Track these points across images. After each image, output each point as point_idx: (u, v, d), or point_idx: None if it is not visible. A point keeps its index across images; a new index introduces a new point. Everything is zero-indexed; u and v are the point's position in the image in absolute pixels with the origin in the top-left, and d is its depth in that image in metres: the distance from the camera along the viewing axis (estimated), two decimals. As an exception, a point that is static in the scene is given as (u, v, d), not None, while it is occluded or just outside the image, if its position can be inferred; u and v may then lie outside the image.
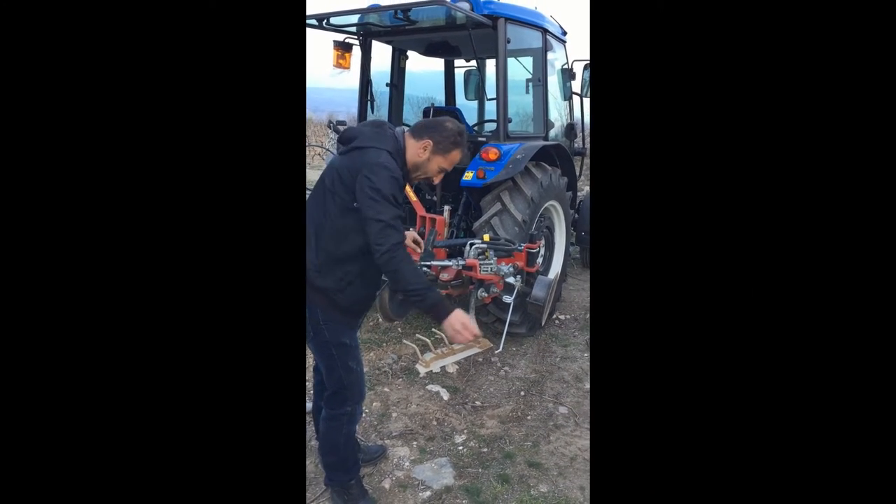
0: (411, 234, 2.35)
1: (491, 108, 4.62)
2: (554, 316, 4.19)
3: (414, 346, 3.47)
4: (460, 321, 1.83)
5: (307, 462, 2.42)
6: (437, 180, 2.04)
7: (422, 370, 3.28)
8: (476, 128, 4.77)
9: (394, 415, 2.84)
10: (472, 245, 2.96)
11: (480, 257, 2.93)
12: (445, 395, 3.05)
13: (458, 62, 5.13)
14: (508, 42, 3.51)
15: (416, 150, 1.93)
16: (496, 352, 3.53)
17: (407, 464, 2.45)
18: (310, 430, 2.64)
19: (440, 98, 5.19)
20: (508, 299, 3.03)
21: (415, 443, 2.61)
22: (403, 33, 3.87)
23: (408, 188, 3.66)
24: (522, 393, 3.11)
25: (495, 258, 2.93)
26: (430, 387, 3.13)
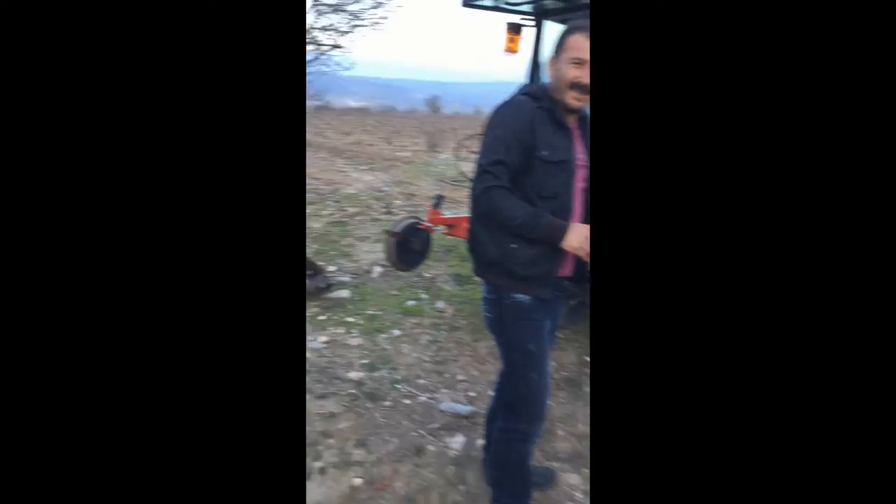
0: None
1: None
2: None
3: (579, 355, 3.20)
4: (582, 235, 1.54)
5: (473, 475, 2.27)
6: (585, 82, 1.55)
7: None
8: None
9: (560, 433, 2.61)
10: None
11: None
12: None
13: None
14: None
15: (552, 74, 1.67)
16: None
17: (579, 495, 2.21)
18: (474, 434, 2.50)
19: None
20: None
21: (585, 469, 2.36)
22: (579, 10, 3.56)
23: None
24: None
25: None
26: (596, 404, 2.85)
